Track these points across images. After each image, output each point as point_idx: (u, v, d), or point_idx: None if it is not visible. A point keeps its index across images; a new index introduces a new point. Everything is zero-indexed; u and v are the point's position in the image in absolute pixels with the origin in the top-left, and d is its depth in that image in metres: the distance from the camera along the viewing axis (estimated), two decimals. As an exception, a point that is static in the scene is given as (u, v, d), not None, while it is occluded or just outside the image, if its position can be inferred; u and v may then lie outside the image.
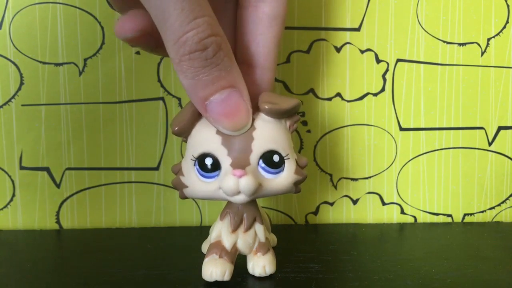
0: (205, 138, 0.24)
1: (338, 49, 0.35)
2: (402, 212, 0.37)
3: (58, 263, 0.29)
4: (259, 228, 0.26)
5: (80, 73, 0.34)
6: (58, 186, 0.35)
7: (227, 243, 0.25)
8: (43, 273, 0.27)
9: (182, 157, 0.26)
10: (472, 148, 0.36)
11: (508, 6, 0.35)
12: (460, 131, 0.36)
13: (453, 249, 0.31)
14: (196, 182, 0.24)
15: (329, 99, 0.35)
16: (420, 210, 0.37)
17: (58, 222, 0.35)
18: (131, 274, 0.27)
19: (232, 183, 0.23)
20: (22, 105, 0.34)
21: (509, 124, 0.36)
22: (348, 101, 0.35)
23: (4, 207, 0.35)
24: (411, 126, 0.36)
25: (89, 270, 0.27)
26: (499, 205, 0.37)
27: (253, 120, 0.24)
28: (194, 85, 0.22)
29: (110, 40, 0.34)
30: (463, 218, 0.37)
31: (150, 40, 0.23)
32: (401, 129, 0.36)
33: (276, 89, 0.35)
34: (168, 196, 0.35)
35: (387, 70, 0.35)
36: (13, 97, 0.34)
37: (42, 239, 0.33)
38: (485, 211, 0.37)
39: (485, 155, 0.37)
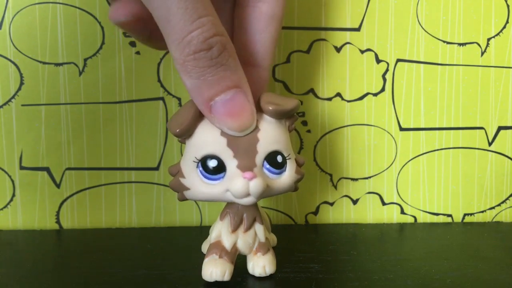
0: (209, 140, 0.23)
1: (338, 49, 0.35)
2: (402, 212, 0.37)
3: (58, 263, 0.29)
4: (259, 228, 0.26)
5: (80, 73, 0.34)
6: (58, 186, 0.35)
7: (227, 243, 0.25)
8: (43, 273, 0.27)
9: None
10: (472, 148, 0.36)
11: (508, 6, 0.35)
12: (460, 131, 0.36)
13: (453, 249, 0.31)
14: (199, 184, 0.24)
15: (329, 99, 0.35)
16: (420, 210, 0.37)
17: (58, 222, 0.35)
18: (131, 274, 0.27)
19: (242, 186, 0.23)
20: (22, 105, 0.34)
21: (509, 124, 0.36)
22: (348, 101, 0.35)
23: (4, 207, 0.35)
24: (411, 126, 0.36)
25: (89, 270, 0.27)
26: (499, 205, 0.37)
27: (257, 121, 0.24)
28: (199, 85, 0.22)
29: (110, 40, 0.34)
30: (463, 218, 0.37)
31: (144, 27, 0.23)
32: (401, 129, 0.36)
33: (276, 89, 0.35)
34: (168, 196, 0.35)
35: (387, 70, 0.35)
36: (13, 97, 0.34)
37: (42, 239, 0.33)
38: (485, 211, 0.37)
39: (485, 155, 0.37)
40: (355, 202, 0.37)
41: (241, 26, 0.25)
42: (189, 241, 0.32)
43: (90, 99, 0.34)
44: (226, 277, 0.25)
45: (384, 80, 0.35)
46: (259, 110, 0.24)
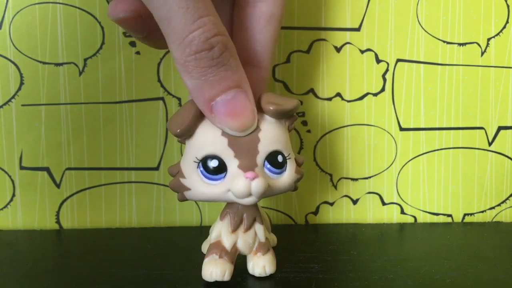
0: (210, 140, 0.23)
1: (338, 49, 0.35)
2: (402, 212, 0.37)
3: (58, 263, 0.29)
4: (259, 228, 0.26)
5: (80, 73, 0.34)
6: (58, 186, 0.35)
7: (227, 243, 0.25)
8: (43, 273, 0.27)
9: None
10: (472, 148, 0.36)
11: (508, 6, 0.35)
12: (460, 131, 0.36)
13: (453, 249, 0.31)
14: (200, 185, 0.24)
15: (329, 99, 0.35)
16: (420, 210, 0.37)
17: (58, 222, 0.35)
18: (131, 274, 0.27)
19: (244, 186, 0.23)
20: (22, 105, 0.34)
21: (509, 124, 0.36)
22: (348, 101, 0.35)
23: (4, 207, 0.35)
24: (411, 126, 0.36)
25: (89, 270, 0.27)
26: (499, 205, 0.37)
27: (258, 121, 0.24)
28: (200, 85, 0.22)
29: (110, 40, 0.34)
30: (463, 218, 0.37)
31: (143, 25, 0.23)
32: (401, 129, 0.36)
33: (276, 89, 0.35)
34: (168, 196, 0.35)
35: (387, 70, 0.35)
36: (13, 97, 0.34)
37: (42, 239, 0.33)
38: (485, 211, 0.37)
39: (485, 155, 0.37)
40: (355, 202, 0.37)
41: (241, 26, 0.25)
42: (189, 241, 0.32)
43: (90, 99, 0.34)
44: (226, 277, 0.25)
45: (384, 80, 0.35)
46: (259, 110, 0.24)
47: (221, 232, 0.26)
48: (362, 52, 0.35)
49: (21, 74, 0.34)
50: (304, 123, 0.36)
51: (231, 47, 0.22)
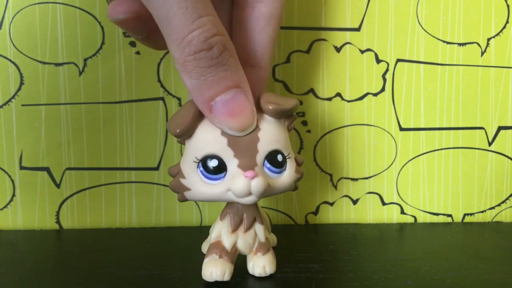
0: (209, 140, 0.23)
1: (338, 49, 0.35)
2: (402, 212, 0.37)
3: (58, 263, 0.29)
4: (259, 228, 0.26)
5: (80, 73, 0.34)
6: (58, 186, 0.35)
7: (227, 243, 0.25)
8: (43, 273, 0.27)
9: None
10: (472, 148, 0.36)
11: (508, 6, 0.35)
12: (460, 131, 0.36)
13: (453, 249, 0.31)
14: (200, 185, 0.24)
15: (329, 99, 0.35)
16: (420, 210, 0.37)
17: (58, 222, 0.35)
18: (131, 274, 0.27)
19: (244, 185, 0.23)
20: (22, 105, 0.34)
21: (509, 124, 0.36)
22: (348, 101, 0.35)
23: (4, 207, 0.35)
24: (411, 126, 0.36)
25: (89, 270, 0.27)
26: (499, 205, 0.37)
27: (257, 120, 0.24)
28: (200, 85, 0.22)
29: (110, 40, 0.34)
30: (463, 218, 0.37)
31: (142, 26, 0.23)
32: (401, 129, 0.36)
33: (276, 89, 0.35)
34: (168, 196, 0.35)
35: (387, 70, 0.35)
36: (13, 97, 0.34)
37: (42, 239, 0.33)
38: (485, 211, 0.37)
39: (485, 155, 0.37)
40: (355, 202, 0.37)
41: (240, 26, 0.25)
42: (189, 241, 0.32)
43: (90, 99, 0.34)
44: (226, 277, 0.25)
45: (384, 80, 0.35)
46: (259, 109, 0.24)
47: (221, 232, 0.26)
48: (362, 52, 0.35)
49: (21, 74, 0.34)
50: (304, 123, 0.36)
51: (230, 47, 0.22)
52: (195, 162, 0.24)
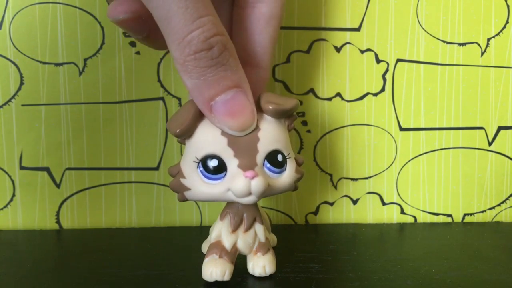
0: (209, 140, 0.23)
1: (338, 49, 0.35)
2: (402, 212, 0.37)
3: (58, 263, 0.29)
4: (259, 228, 0.26)
5: (80, 73, 0.34)
6: (58, 186, 0.35)
7: (227, 243, 0.25)
8: (43, 273, 0.27)
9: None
10: (472, 148, 0.36)
11: (508, 6, 0.35)
12: (460, 131, 0.36)
13: (453, 249, 0.31)
14: (200, 185, 0.24)
15: (329, 99, 0.35)
16: (420, 210, 0.37)
17: (58, 222, 0.35)
18: (131, 274, 0.27)
19: (243, 185, 0.23)
20: (22, 105, 0.34)
21: (509, 124, 0.36)
22: (348, 101, 0.35)
23: (4, 207, 0.35)
24: (411, 126, 0.36)
25: (89, 270, 0.27)
26: (499, 205, 0.37)
27: (257, 120, 0.24)
28: (200, 85, 0.22)
29: (110, 40, 0.34)
30: (463, 218, 0.37)
31: (142, 26, 0.23)
32: (401, 129, 0.36)
33: (276, 89, 0.35)
34: (168, 196, 0.35)
35: (387, 70, 0.35)
36: (13, 97, 0.34)
37: (42, 239, 0.33)
38: (485, 211, 0.37)
39: (485, 155, 0.37)
40: (355, 202, 0.37)
41: (240, 26, 0.25)
42: (189, 241, 0.32)
43: (90, 99, 0.34)
44: (226, 277, 0.25)
45: (384, 80, 0.35)
46: (259, 109, 0.24)
47: (221, 232, 0.26)
48: (362, 52, 0.35)
49: (21, 74, 0.34)
50: (304, 123, 0.36)
51: (231, 47, 0.22)
52: (195, 162, 0.24)
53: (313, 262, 0.28)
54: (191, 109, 0.23)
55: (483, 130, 0.36)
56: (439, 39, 0.35)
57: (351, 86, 0.35)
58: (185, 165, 0.24)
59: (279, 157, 0.24)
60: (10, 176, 0.34)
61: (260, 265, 0.26)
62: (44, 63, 0.34)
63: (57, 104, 0.34)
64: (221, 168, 0.23)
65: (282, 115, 0.24)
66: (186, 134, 0.24)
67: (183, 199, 0.25)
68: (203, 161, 0.24)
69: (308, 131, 0.36)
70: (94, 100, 0.34)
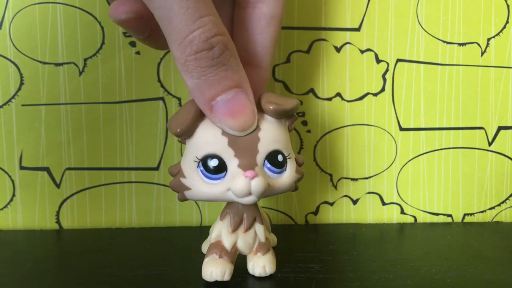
0: (210, 139, 0.23)
1: (338, 49, 0.35)
2: (402, 212, 0.37)
3: (58, 263, 0.29)
4: (259, 228, 0.26)
5: (80, 73, 0.34)
6: (58, 186, 0.35)
7: (227, 243, 0.25)
8: (43, 273, 0.27)
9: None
10: (472, 148, 0.36)
11: (508, 6, 0.35)
12: (460, 131, 0.36)
13: (453, 249, 0.31)
14: (200, 184, 0.24)
15: (329, 99, 0.35)
16: (420, 210, 0.37)
17: (58, 222, 0.35)
18: (131, 274, 0.27)
19: (243, 185, 0.23)
20: (22, 105, 0.34)
21: (509, 124, 0.36)
22: (348, 101, 0.35)
23: (4, 207, 0.35)
24: (411, 126, 0.36)
25: (89, 270, 0.27)
26: (499, 205, 0.37)
27: (258, 120, 0.24)
28: (201, 85, 0.22)
29: (110, 40, 0.34)
30: (463, 218, 0.37)
31: (144, 26, 0.23)
32: (401, 129, 0.36)
33: (276, 89, 0.35)
34: (168, 196, 0.35)
35: (387, 70, 0.35)
36: (13, 97, 0.34)
37: (42, 239, 0.33)
38: (485, 211, 0.37)
39: (485, 155, 0.37)
40: (355, 202, 0.37)
41: (241, 26, 0.25)
42: (189, 241, 0.32)
43: (90, 99, 0.34)
44: (226, 277, 0.25)
45: (384, 80, 0.35)
46: (260, 109, 0.24)
47: (221, 232, 0.26)
48: (362, 52, 0.35)
49: (21, 74, 0.34)
50: (304, 123, 0.36)
51: (231, 47, 0.22)
52: (195, 161, 0.24)
53: (313, 262, 0.28)
54: (192, 109, 0.23)
55: (483, 130, 0.36)
56: (439, 39, 0.35)
57: (351, 86, 0.35)
58: (185, 165, 0.24)
59: (280, 157, 0.24)
60: (10, 176, 0.34)
61: (260, 265, 0.26)
62: (44, 63, 0.34)
63: (57, 104, 0.34)
64: (221, 168, 0.23)
65: (283, 115, 0.24)
66: (186, 133, 0.24)
67: (183, 199, 0.25)
68: (204, 161, 0.24)
69: (308, 131, 0.36)
70: (94, 100, 0.34)
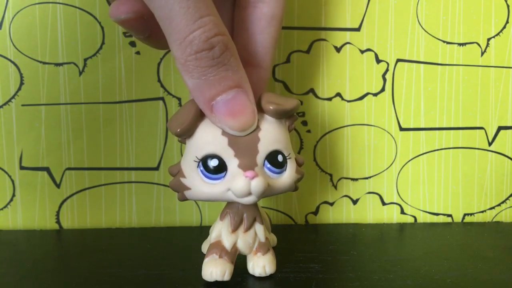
0: (210, 139, 0.23)
1: (338, 49, 0.35)
2: (402, 212, 0.37)
3: (58, 263, 0.29)
4: (259, 228, 0.26)
5: (80, 73, 0.34)
6: (58, 186, 0.35)
7: (227, 243, 0.25)
8: (43, 273, 0.27)
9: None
10: (472, 148, 0.36)
11: (508, 6, 0.35)
12: (460, 131, 0.36)
13: (453, 249, 0.31)
14: (200, 184, 0.24)
15: (329, 99, 0.35)
16: (420, 210, 0.37)
17: (58, 222, 0.35)
18: (131, 274, 0.27)
19: (243, 185, 0.23)
20: (22, 105, 0.34)
21: (509, 124, 0.36)
22: (348, 101, 0.35)
23: (4, 207, 0.35)
24: (411, 126, 0.36)
25: (89, 270, 0.27)
26: (499, 205, 0.37)
27: (258, 120, 0.24)
28: (201, 85, 0.22)
29: (110, 40, 0.34)
30: (463, 218, 0.37)
31: (144, 26, 0.23)
32: (401, 129, 0.36)
33: (276, 89, 0.35)
34: (168, 196, 0.35)
35: (387, 70, 0.35)
36: (13, 97, 0.34)
37: (42, 239, 0.33)
38: (485, 211, 0.37)
39: (485, 155, 0.37)
40: (355, 202, 0.37)
41: (241, 26, 0.25)
42: (189, 241, 0.32)
43: (90, 99, 0.34)
44: (226, 277, 0.25)
45: (384, 80, 0.35)
46: (260, 110, 0.24)
47: (221, 232, 0.26)
48: (362, 52, 0.35)
49: (21, 74, 0.34)
50: (304, 123, 0.36)
51: (232, 47, 0.22)
52: (195, 161, 0.24)
53: (313, 262, 0.28)
54: (192, 109, 0.23)
55: (483, 130, 0.36)
56: (439, 39, 0.35)
57: (351, 86, 0.35)
58: (185, 165, 0.24)
59: (280, 158, 0.24)
60: (10, 176, 0.34)
61: (260, 265, 0.26)
62: (44, 63, 0.34)
63: (57, 104, 0.34)
64: (221, 168, 0.23)
65: (283, 115, 0.24)
66: (186, 133, 0.24)
67: (183, 199, 0.25)
68: (204, 161, 0.24)
69: (308, 131, 0.36)
70: (94, 100, 0.34)
